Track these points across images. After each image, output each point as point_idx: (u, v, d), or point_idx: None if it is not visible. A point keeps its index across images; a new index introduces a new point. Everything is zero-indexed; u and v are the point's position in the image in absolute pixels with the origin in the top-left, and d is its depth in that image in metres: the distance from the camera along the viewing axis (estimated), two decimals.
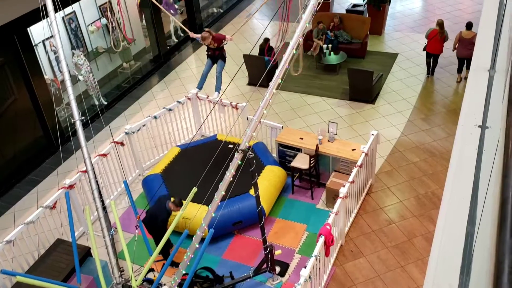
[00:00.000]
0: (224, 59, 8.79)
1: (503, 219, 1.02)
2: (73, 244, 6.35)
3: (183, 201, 7.05)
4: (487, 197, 1.59)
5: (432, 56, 12.38)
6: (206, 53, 8.88)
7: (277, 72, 5.47)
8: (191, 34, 9.01)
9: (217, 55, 8.71)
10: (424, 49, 12.49)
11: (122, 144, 9.27)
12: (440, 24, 12.01)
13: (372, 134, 8.73)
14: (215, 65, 8.88)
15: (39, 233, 7.79)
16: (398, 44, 14.23)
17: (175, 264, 7.57)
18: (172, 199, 7.35)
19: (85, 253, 7.46)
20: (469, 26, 11.66)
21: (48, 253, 7.49)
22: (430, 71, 12.62)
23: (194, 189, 6.03)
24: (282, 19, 6.68)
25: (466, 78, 12.23)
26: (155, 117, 9.79)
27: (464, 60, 11.95)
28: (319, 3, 5.46)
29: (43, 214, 7.79)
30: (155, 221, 7.22)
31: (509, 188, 1.07)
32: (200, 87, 9.30)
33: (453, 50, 12.19)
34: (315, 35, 13.68)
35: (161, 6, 9.47)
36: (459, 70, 12.26)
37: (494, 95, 2.45)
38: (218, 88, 8.93)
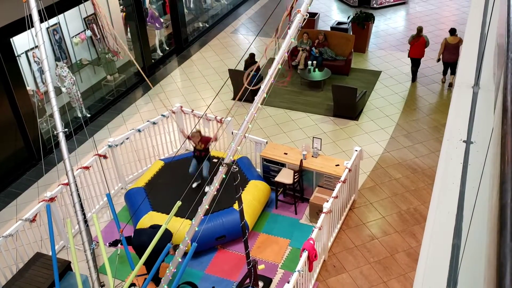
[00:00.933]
0: (209, 159, 8.92)
1: (503, 224, 1.04)
2: (53, 258, 6.24)
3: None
4: (476, 209, 1.62)
5: (415, 60, 13.02)
6: (193, 153, 8.95)
7: (262, 86, 5.50)
8: (181, 130, 9.04)
9: (203, 156, 8.78)
10: (408, 56, 13.08)
11: (105, 157, 9.19)
12: (419, 30, 12.73)
13: (356, 150, 8.80)
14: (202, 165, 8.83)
15: (17, 247, 7.63)
16: (381, 62, 14.44)
17: (157, 280, 7.47)
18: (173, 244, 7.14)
19: (65, 267, 7.33)
20: (453, 31, 12.25)
21: (27, 267, 7.33)
22: (412, 77, 13.30)
23: (178, 203, 5.99)
24: (277, 35, 6.51)
25: (451, 84, 12.83)
26: (139, 130, 9.74)
27: (449, 65, 12.53)
28: (304, 19, 5.53)
29: (23, 227, 7.64)
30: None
31: (508, 194, 1.10)
32: (198, 181, 8.91)
33: (437, 61, 12.73)
34: (299, 44, 13.87)
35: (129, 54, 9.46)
36: (444, 73, 12.91)
37: (478, 111, 2.50)
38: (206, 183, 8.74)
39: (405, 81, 13.29)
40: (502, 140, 1.24)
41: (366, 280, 7.75)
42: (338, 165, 8.84)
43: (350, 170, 8.40)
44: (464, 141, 2.32)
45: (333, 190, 8.08)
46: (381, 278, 7.76)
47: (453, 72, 12.64)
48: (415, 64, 13.09)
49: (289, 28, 5.52)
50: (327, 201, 7.68)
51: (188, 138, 8.78)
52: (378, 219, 8.91)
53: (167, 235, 7.04)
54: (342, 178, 8.14)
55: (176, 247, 7.00)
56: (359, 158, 8.94)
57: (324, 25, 16.75)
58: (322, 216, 7.45)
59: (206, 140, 8.74)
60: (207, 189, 8.46)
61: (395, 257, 8.12)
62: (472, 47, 3.09)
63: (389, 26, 16.80)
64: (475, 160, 2.16)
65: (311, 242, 6.90)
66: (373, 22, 15.08)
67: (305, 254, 6.76)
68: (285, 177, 8.91)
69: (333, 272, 7.91)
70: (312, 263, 7.01)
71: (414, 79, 13.25)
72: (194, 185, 8.85)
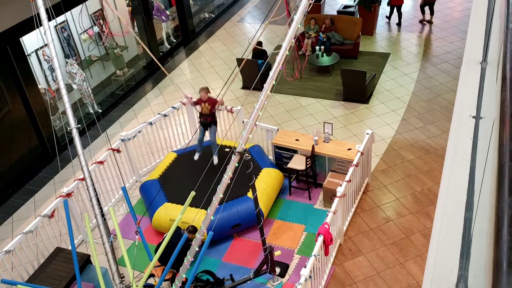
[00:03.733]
0: (215, 123, 8.72)
1: (500, 181, 1.07)
2: (73, 252, 6.36)
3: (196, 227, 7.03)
4: (484, 181, 1.64)
5: (396, 7, 15.03)
6: (198, 119, 8.74)
7: (271, 73, 5.51)
8: (185, 95, 8.62)
9: (209, 121, 8.60)
10: (388, 4, 15.20)
11: (118, 151, 9.28)
12: None
13: (367, 134, 8.78)
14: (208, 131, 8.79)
15: (38, 242, 7.77)
16: (389, 43, 14.33)
17: (176, 268, 7.57)
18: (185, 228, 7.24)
19: (85, 261, 7.45)
20: None
21: (47, 262, 7.47)
22: (398, 23, 15.28)
23: (193, 193, 6.05)
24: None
25: (430, 21, 15.25)
26: (151, 123, 9.81)
27: (428, 5, 14.96)
28: (310, 4, 5.51)
29: (42, 223, 7.78)
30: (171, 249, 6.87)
31: (505, 155, 1.12)
32: (200, 151, 8.93)
33: (420, 5, 15.09)
34: (307, 29, 13.83)
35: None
36: (423, 13, 15.19)
37: (486, 86, 2.51)
38: (216, 154, 8.73)
39: (415, 62, 13.19)
40: (501, 105, 1.26)
41: (383, 262, 7.78)
42: (350, 149, 8.84)
43: (362, 153, 8.40)
44: (473, 117, 2.33)
45: (346, 174, 8.09)
46: (398, 260, 7.79)
47: (432, 12, 15.10)
48: (395, 10, 15.03)
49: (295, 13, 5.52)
50: (341, 185, 7.70)
51: (195, 103, 8.54)
52: (393, 201, 8.92)
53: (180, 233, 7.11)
54: (355, 162, 8.14)
55: (190, 229, 7.10)
56: (371, 141, 8.93)
57: (330, 9, 16.64)
58: (336, 200, 7.48)
59: (213, 102, 8.41)
60: (215, 161, 8.57)
61: (411, 238, 8.14)
62: (479, 22, 3.08)
63: None
64: (485, 135, 2.18)
65: (326, 226, 6.94)
66: (380, 4, 14.96)
67: (320, 239, 6.80)
68: (298, 163, 8.94)
69: (349, 256, 7.96)
70: (328, 247, 7.05)
71: (389, 18, 15.40)
72: (196, 157, 8.81)
